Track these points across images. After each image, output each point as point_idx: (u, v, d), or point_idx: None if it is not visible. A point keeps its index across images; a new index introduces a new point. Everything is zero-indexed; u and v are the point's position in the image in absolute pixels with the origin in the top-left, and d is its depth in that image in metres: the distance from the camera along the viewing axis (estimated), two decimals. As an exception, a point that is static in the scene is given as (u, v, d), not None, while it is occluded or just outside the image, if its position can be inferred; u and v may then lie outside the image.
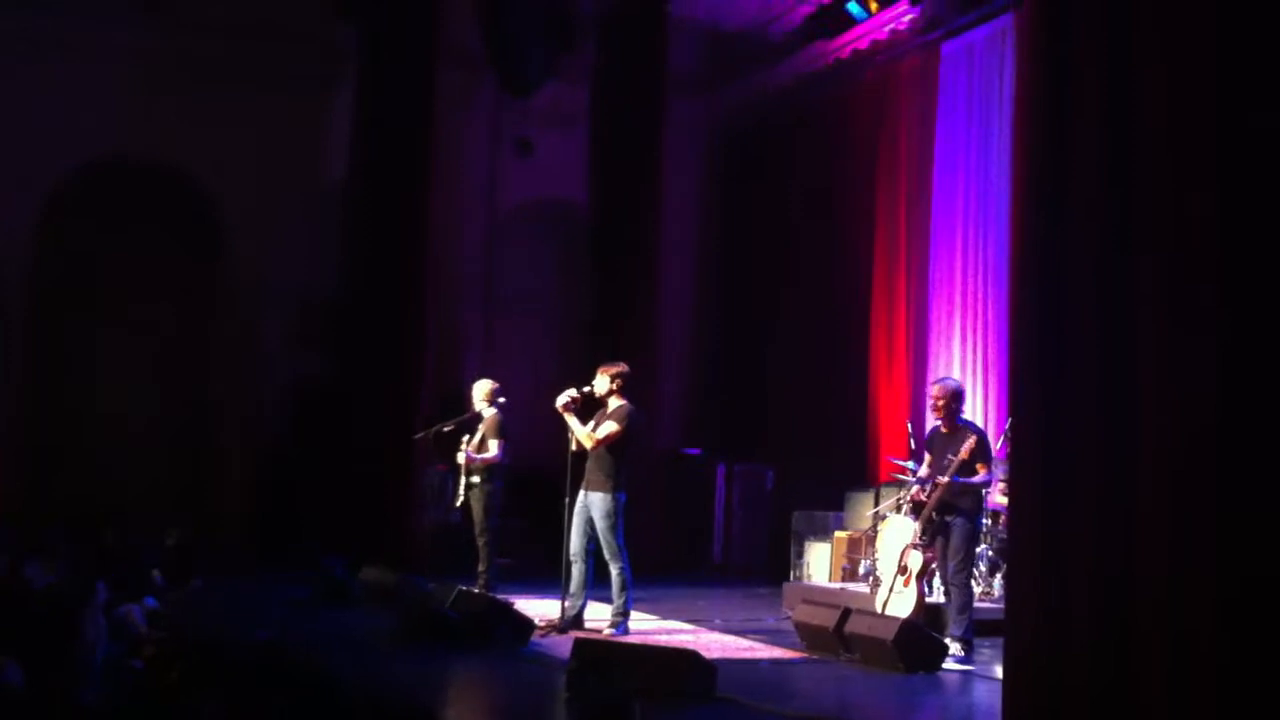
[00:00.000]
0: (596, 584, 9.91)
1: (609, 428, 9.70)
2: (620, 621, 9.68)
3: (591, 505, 9.68)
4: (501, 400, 11.22)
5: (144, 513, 12.39)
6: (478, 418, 11.19)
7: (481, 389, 11.31)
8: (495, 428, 11.03)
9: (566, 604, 9.73)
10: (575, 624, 9.63)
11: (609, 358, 10.23)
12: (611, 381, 9.83)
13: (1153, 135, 5.63)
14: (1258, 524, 5.20)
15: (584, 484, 9.74)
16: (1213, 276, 5.35)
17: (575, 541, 9.76)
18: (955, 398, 9.34)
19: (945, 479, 8.96)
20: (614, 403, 9.83)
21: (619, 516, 9.67)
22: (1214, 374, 5.31)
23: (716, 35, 16.52)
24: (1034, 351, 6.16)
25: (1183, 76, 5.53)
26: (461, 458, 11.04)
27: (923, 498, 9.33)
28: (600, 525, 9.64)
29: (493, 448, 10.99)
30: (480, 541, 11.05)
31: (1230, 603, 5.22)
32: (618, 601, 9.71)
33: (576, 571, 9.76)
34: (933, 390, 9.61)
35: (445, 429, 11.36)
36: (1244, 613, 5.19)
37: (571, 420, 9.72)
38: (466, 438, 11.11)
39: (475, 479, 11.00)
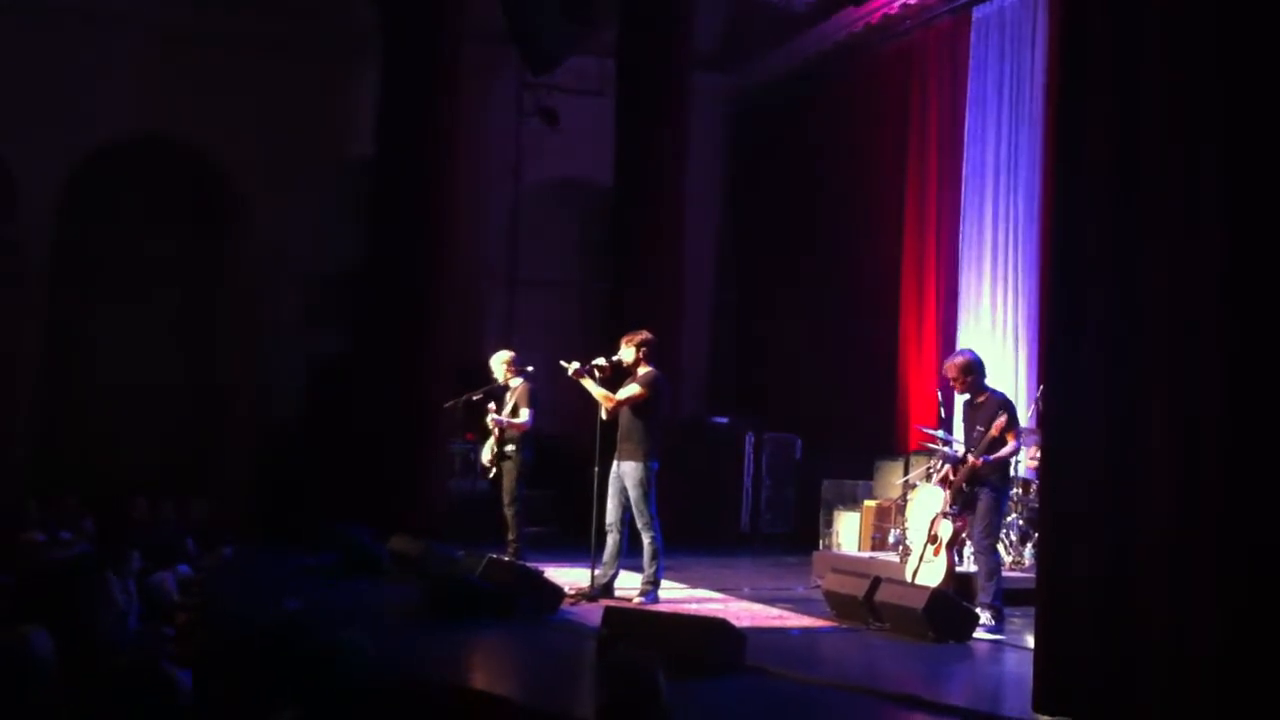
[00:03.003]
0: (629, 553, 9.91)
1: (630, 389, 9.71)
2: (650, 590, 9.68)
3: (624, 475, 9.68)
4: (529, 369, 11.19)
5: (161, 486, 12.45)
6: (505, 387, 11.17)
7: (500, 361, 11.25)
8: (526, 396, 11.02)
9: (598, 572, 9.74)
10: (606, 592, 9.65)
11: (632, 328, 10.20)
12: (637, 350, 9.83)
13: (1172, 113, 5.61)
14: (1259, 508, 5.21)
15: (616, 454, 9.75)
16: (1220, 271, 5.36)
17: (611, 511, 9.77)
18: (969, 369, 9.13)
19: (975, 459, 8.87)
20: (640, 370, 9.83)
21: (651, 485, 9.67)
22: (1219, 364, 5.35)
23: (741, 6, 16.41)
24: (1058, 325, 6.16)
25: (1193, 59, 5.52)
26: (491, 421, 11.03)
27: (952, 474, 9.27)
28: (633, 494, 9.64)
29: (524, 415, 10.98)
30: (510, 511, 11.05)
31: (1232, 579, 5.25)
32: (649, 570, 9.71)
33: (611, 541, 9.76)
34: (946, 371, 9.48)
35: (474, 398, 11.34)
36: (1245, 587, 5.22)
37: (588, 384, 9.73)
38: (492, 405, 11.09)
39: (510, 448, 10.97)
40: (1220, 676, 5.26)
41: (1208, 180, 5.44)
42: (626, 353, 9.84)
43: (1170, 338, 5.55)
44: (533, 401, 11.01)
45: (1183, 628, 5.40)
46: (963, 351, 9.73)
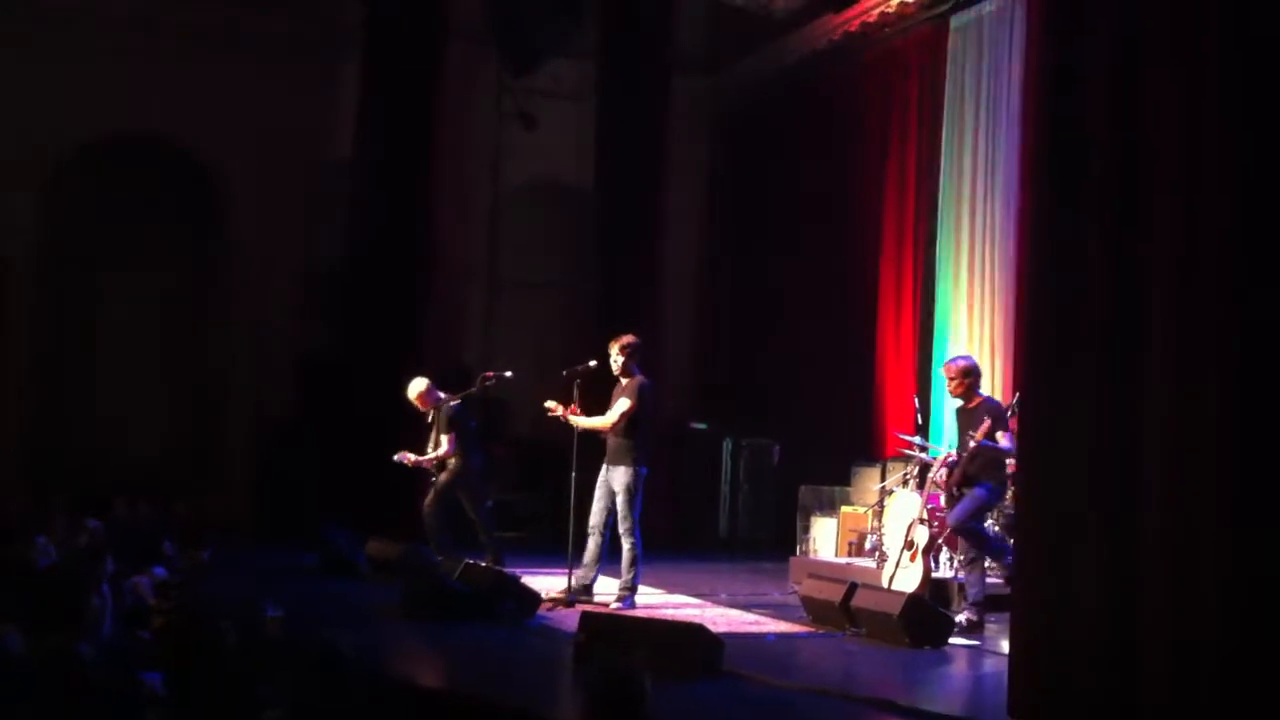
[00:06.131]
0: (607, 558, 9.92)
1: (623, 405, 9.74)
2: (627, 595, 9.69)
3: (614, 479, 9.73)
4: (448, 395, 10.97)
5: (148, 486, 12.39)
6: (428, 417, 11.00)
7: (413, 393, 11.04)
8: (445, 423, 10.86)
9: (579, 573, 9.77)
10: (584, 593, 9.67)
11: (614, 332, 10.21)
12: (623, 354, 9.85)
13: (1162, 121, 5.62)
14: (1260, 515, 5.22)
15: (606, 459, 9.81)
16: (1220, 269, 5.36)
17: (596, 514, 9.81)
18: (967, 373, 9.31)
19: (974, 444, 8.92)
20: (626, 377, 9.86)
21: (639, 491, 9.70)
22: (1217, 366, 5.34)
23: (722, 10, 16.45)
24: (1043, 328, 6.18)
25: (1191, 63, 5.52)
26: (409, 462, 10.87)
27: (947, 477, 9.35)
28: (620, 498, 9.68)
29: (444, 443, 10.83)
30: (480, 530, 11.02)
31: (1231, 585, 5.25)
32: (626, 576, 9.73)
33: (593, 543, 9.80)
34: (945, 371, 9.61)
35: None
36: (1246, 595, 5.23)
37: (580, 421, 9.80)
38: (402, 454, 10.93)
39: (444, 476, 10.85)
40: (1220, 680, 5.25)
41: (1207, 176, 5.44)
42: (614, 357, 9.87)
43: (1169, 336, 5.54)
44: (451, 426, 10.81)
45: (1178, 629, 5.39)
46: (963, 357, 9.96)
